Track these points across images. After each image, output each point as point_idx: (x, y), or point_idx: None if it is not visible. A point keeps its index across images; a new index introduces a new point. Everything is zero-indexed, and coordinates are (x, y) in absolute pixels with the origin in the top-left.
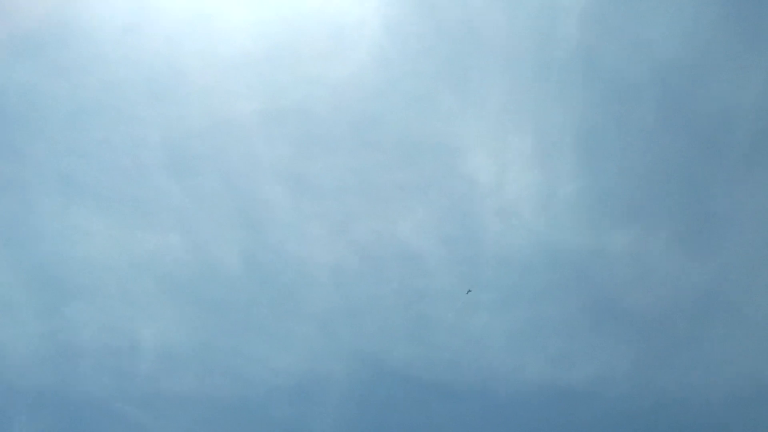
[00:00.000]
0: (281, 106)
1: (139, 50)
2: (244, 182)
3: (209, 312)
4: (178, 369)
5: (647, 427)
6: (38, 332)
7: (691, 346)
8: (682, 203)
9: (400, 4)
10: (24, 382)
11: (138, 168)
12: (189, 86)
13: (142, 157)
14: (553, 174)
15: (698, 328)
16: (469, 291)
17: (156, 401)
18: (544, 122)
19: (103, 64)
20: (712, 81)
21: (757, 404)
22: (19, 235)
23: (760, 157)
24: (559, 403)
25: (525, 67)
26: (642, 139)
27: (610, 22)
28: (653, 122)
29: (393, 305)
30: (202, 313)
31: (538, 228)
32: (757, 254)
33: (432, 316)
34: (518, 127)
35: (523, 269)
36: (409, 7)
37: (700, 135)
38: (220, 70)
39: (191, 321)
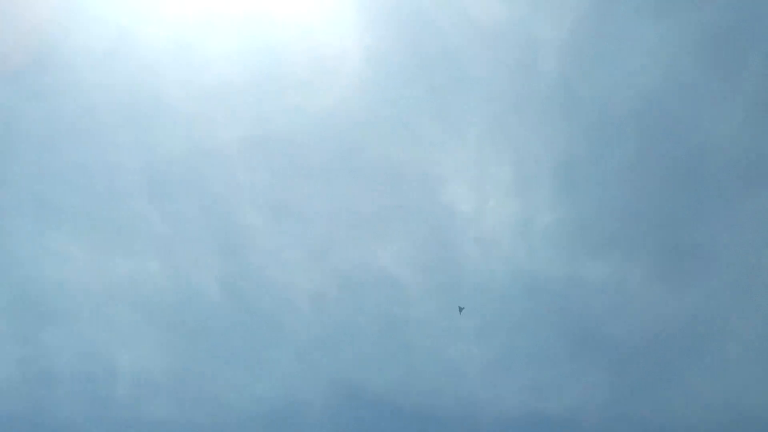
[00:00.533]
0: (262, 134)
1: (119, 76)
2: (224, 209)
3: (187, 338)
4: (155, 395)
5: None
6: (14, 357)
7: (668, 376)
8: (660, 235)
9: (382, 35)
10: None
11: (117, 193)
12: (169, 113)
13: (121, 183)
14: (533, 204)
15: (675, 358)
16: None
17: (132, 427)
18: (524, 153)
19: (83, 89)
20: (690, 115)
21: None
22: None
23: (737, 191)
24: None
25: (505, 99)
26: (620, 171)
27: (590, 56)
28: (632, 155)
29: (372, 333)
30: (180, 339)
31: (517, 257)
32: (733, 287)
33: (411, 344)
34: (498, 158)
35: (502, 298)
36: (391, 38)
37: (678, 168)
38: (200, 98)
39: (169, 347)
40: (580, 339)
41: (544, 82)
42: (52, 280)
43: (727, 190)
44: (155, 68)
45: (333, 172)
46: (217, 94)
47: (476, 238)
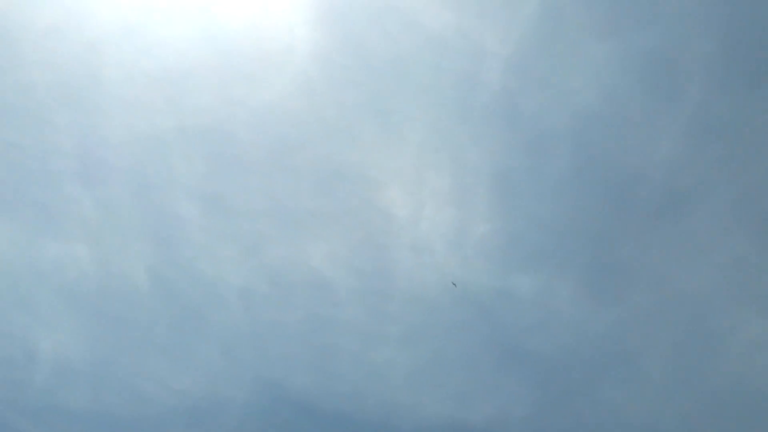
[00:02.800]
0: (200, 125)
1: (60, 54)
2: (157, 197)
3: (111, 327)
4: (74, 383)
5: None
6: None
7: (588, 392)
8: (589, 252)
9: (330, 35)
10: None
11: (48, 174)
12: (108, 96)
13: (53, 164)
14: (468, 214)
15: (596, 375)
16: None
17: (49, 414)
18: (463, 162)
19: (22, 65)
20: (626, 136)
21: None
22: None
23: (667, 213)
24: None
25: (447, 107)
26: (555, 187)
27: (533, 70)
28: (567, 171)
29: (299, 332)
30: (103, 328)
31: (449, 266)
32: (656, 308)
33: (337, 347)
34: (437, 165)
35: (431, 306)
36: (338, 38)
37: (611, 187)
38: (142, 83)
39: (92, 334)
40: (505, 351)
41: (487, 93)
42: None
43: (656, 214)
44: (98, 49)
45: (271, 168)
46: (159, 80)
47: (410, 245)
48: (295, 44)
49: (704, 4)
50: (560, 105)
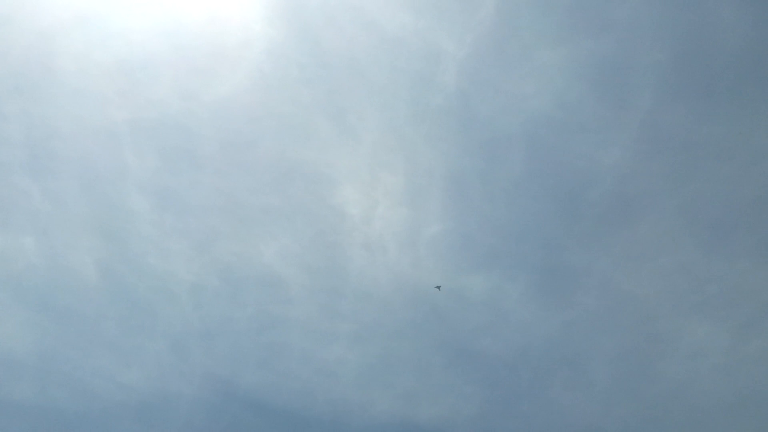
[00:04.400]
0: (155, 118)
1: (9, 43)
2: (108, 190)
3: (57, 320)
4: (17, 375)
5: None
6: None
7: (535, 393)
8: (539, 255)
9: (286, 32)
10: None
11: None
12: (59, 86)
13: (1, 154)
14: (421, 214)
15: (544, 376)
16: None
17: None
18: (416, 163)
19: None
20: (577, 140)
21: None
22: None
23: (616, 217)
24: None
25: (402, 108)
26: (507, 190)
27: (488, 74)
28: (519, 174)
29: (249, 329)
30: (49, 320)
31: (401, 265)
32: (603, 311)
33: (288, 344)
34: (391, 165)
35: (382, 305)
36: (295, 36)
37: (561, 190)
38: (94, 74)
39: (37, 327)
40: (455, 351)
41: (442, 94)
42: None
43: (605, 219)
44: (50, 38)
45: (224, 163)
46: (112, 72)
47: (363, 243)
48: (251, 40)
49: (656, 14)
50: (513, 109)
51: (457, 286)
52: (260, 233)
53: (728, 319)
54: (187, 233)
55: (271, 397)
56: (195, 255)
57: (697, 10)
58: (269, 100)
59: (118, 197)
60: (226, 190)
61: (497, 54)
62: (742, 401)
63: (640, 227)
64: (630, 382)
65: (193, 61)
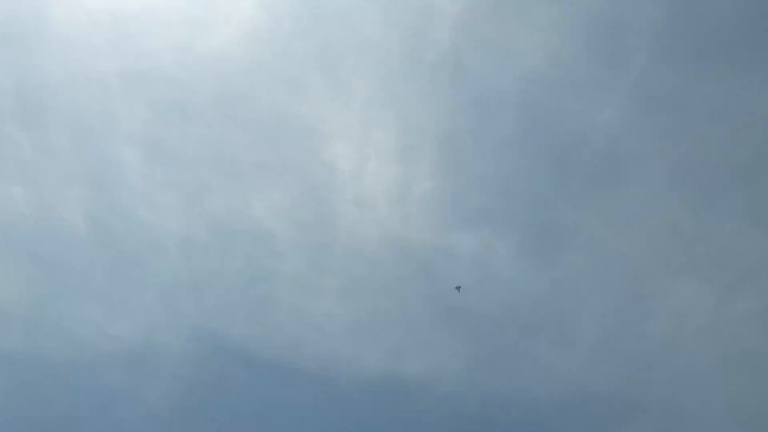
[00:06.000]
0: (144, 69)
1: None
2: (97, 142)
3: (45, 270)
4: (5, 325)
5: (473, 423)
6: None
7: (521, 349)
8: (529, 213)
9: None
10: None
11: None
12: (49, 35)
13: None
14: (411, 171)
15: (531, 334)
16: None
17: None
18: (408, 120)
19: None
20: (571, 99)
21: (577, 408)
22: None
23: (607, 176)
24: (392, 394)
25: (395, 64)
26: (499, 147)
27: (482, 31)
28: (511, 132)
29: (238, 282)
30: (37, 270)
31: (391, 222)
32: (591, 270)
33: (276, 298)
34: (382, 121)
35: (371, 260)
36: None
37: (553, 149)
38: (85, 23)
39: (25, 277)
40: (443, 308)
41: (435, 51)
42: None
43: (595, 178)
44: None
45: (214, 116)
46: (103, 21)
47: (353, 199)
48: None
49: None
50: (507, 66)
51: (447, 244)
52: (250, 187)
53: (716, 280)
54: (177, 186)
55: (259, 350)
56: (185, 208)
57: None
58: (262, 53)
59: (108, 148)
60: (216, 143)
61: (492, 10)
62: (727, 361)
63: (630, 187)
64: (616, 340)
65: (184, 11)
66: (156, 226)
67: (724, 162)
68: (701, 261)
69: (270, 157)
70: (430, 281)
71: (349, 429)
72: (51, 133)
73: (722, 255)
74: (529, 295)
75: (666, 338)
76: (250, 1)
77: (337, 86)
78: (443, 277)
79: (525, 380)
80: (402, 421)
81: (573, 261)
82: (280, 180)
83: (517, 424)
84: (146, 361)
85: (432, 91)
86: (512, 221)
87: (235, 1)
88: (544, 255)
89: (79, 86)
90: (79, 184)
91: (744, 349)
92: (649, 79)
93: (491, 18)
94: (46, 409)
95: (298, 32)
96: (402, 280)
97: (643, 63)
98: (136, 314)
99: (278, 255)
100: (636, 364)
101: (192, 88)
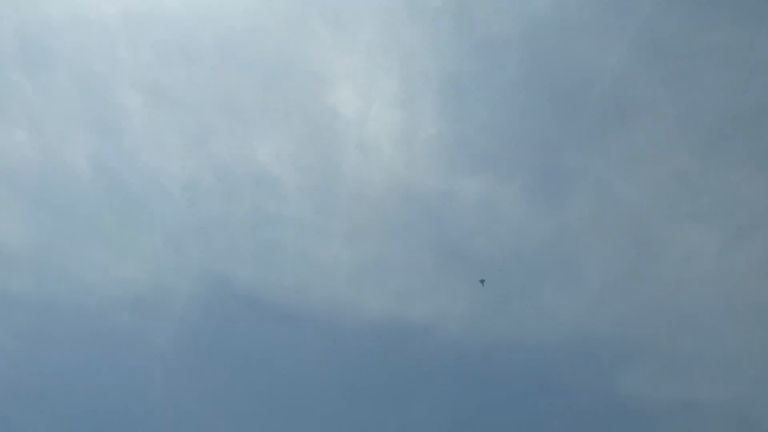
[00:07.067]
0: (146, 11)
1: None
2: (101, 85)
3: (52, 213)
4: (13, 268)
5: (478, 367)
6: None
7: (526, 294)
8: (534, 158)
9: None
10: None
11: None
12: None
13: None
14: (416, 115)
15: (535, 277)
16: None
17: None
18: (413, 64)
19: None
20: (576, 43)
21: (581, 351)
22: None
23: (613, 121)
24: (397, 337)
25: (399, 9)
26: (504, 92)
27: None
28: (517, 77)
29: (243, 226)
30: (44, 214)
31: (395, 166)
32: (597, 215)
33: (282, 242)
34: (387, 66)
35: (376, 204)
36: None
37: (559, 94)
38: None
39: (32, 220)
40: (447, 251)
41: None
42: None
43: (602, 123)
44: None
45: (219, 59)
46: None
47: (357, 144)
48: None
49: None
50: (512, 10)
51: (451, 188)
52: (255, 131)
53: (721, 227)
54: (181, 129)
55: (265, 294)
56: (189, 151)
57: None
58: None
59: (111, 92)
60: (220, 86)
61: None
62: (731, 307)
63: (637, 132)
64: (622, 284)
65: None
66: (160, 169)
67: (732, 109)
68: (707, 208)
69: (274, 101)
70: (434, 226)
71: (354, 372)
72: (54, 76)
73: (728, 202)
74: (534, 239)
75: (671, 283)
76: None
77: (341, 30)
78: (448, 222)
79: (530, 324)
80: (407, 365)
81: (579, 205)
82: (284, 124)
83: (522, 368)
84: (153, 304)
85: (436, 35)
86: (517, 165)
87: None
88: (550, 199)
89: (82, 29)
90: (82, 127)
91: (748, 294)
92: (655, 24)
93: None
94: (54, 352)
95: None
96: (407, 224)
97: (651, 6)
98: (141, 258)
99: (283, 199)
100: (641, 308)
101: (196, 31)
